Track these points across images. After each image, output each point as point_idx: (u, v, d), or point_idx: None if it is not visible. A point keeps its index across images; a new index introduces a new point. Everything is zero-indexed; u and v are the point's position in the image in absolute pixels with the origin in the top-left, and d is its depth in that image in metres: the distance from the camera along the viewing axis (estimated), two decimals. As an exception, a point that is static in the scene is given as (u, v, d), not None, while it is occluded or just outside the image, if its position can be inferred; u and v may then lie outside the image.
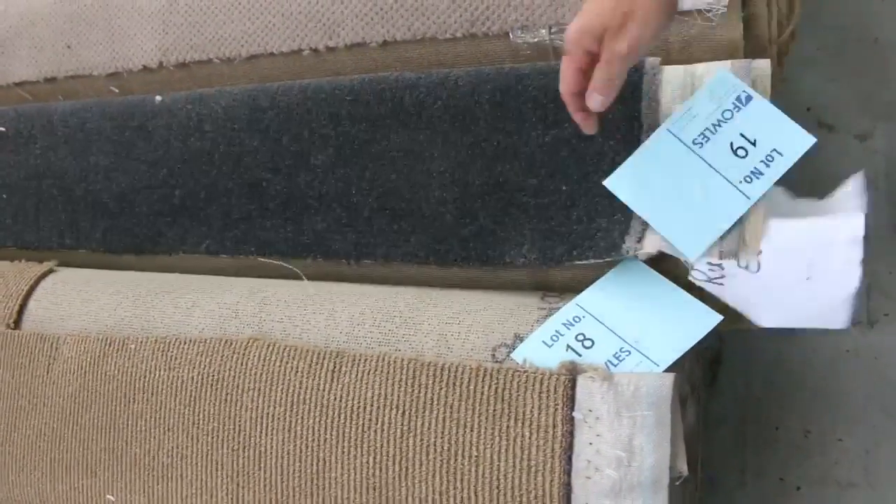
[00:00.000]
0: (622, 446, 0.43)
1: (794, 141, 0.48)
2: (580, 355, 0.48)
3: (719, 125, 0.49)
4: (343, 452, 0.50)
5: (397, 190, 0.58)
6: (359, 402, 0.50)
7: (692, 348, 0.48)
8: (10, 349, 0.63)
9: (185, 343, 0.57)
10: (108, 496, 0.58)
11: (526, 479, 0.45)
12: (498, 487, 0.46)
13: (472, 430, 0.47)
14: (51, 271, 0.68)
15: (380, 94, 0.60)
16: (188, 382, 0.56)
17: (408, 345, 0.52)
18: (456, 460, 0.47)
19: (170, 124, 0.67)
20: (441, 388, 0.48)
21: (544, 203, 0.54)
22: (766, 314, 0.51)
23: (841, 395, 0.69)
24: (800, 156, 0.48)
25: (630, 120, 0.53)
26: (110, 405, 0.58)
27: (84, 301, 0.64)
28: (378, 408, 0.50)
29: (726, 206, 0.48)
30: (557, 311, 0.50)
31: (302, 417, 0.52)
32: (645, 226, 0.50)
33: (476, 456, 0.47)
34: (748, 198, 0.48)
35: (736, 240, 0.48)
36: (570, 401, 0.45)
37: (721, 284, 0.50)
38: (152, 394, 0.57)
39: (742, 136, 0.49)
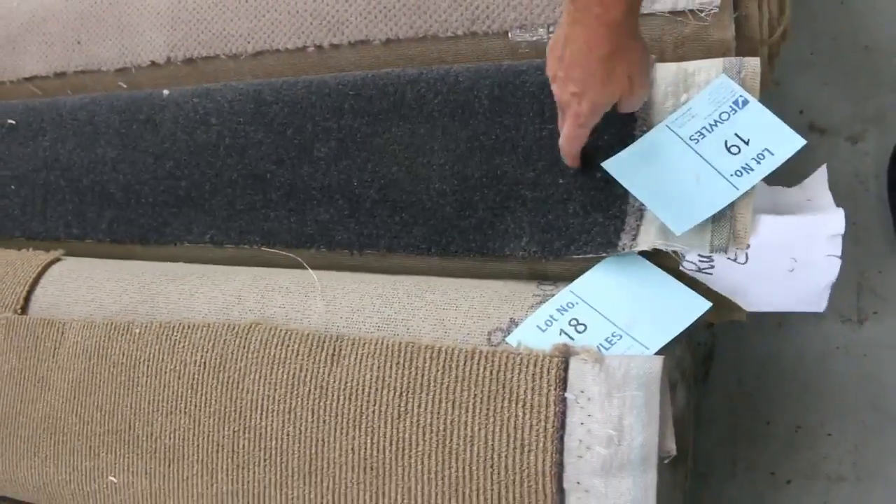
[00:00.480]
0: (612, 425, 0.44)
1: (785, 142, 0.50)
2: (573, 339, 0.49)
3: (716, 125, 0.51)
4: (341, 433, 0.52)
5: (398, 182, 0.60)
6: (357, 385, 0.52)
7: (682, 334, 0.49)
8: (18, 334, 0.64)
9: (188, 328, 0.58)
10: (110, 477, 0.59)
11: (519, 458, 0.47)
12: (492, 466, 0.47)
13: (467, 411, 0.48)
14: (57, 260, 0.70)
15: (382, 89, 0.62)
16: (191, 366, 0.57)
17: (406, 329, 0.53)
18: (451, 440, 0.48)
19: (176, 117, 0.69)
20: (437, 371, 0.50)
21: (542, 196, 0.55)
22: (752, 300, 0.53)
23: (831, 390, 0.71)
24: (789, 155, 0.50)
25: (624, 115, 0.54)
26: (114, 388, 0.59)
27: (89, 288, 0.65)
28: (376, 390, 0.51)
29: (716, 194, 0.50)
30: (552, 298, 0.52)
31: (302, 399, 0.53)
32: (639, 222, 0.51)
33: (471, 436, 0.48)
34: (737, 189, 0.50)
35: (726, 235, 0.49)
36: (563, 382, 0.46)
37: (710, 274, 0.52)
38: (155, 377, 0.58)
39: (736, 135, 0.51)
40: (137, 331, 0.60)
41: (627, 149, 0.53)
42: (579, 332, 0.49)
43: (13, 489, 0.64)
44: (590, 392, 0.46)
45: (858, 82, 0.78)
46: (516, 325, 0.51)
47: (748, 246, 0.50)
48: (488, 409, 0.48)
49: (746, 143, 0.51)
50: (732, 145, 0.51)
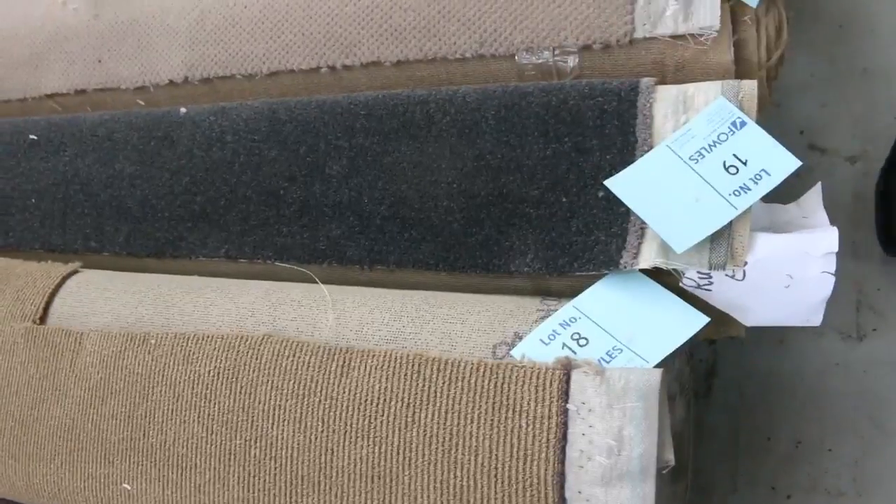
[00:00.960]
0: (613, 436, 0.46)
1: (782, 162, 0.52)
2: (575, 353, 0.51)
3: (714, 146, 0.53)
4: (350, 443, 0.53)
5: (407, 200, 0.62)
6: (366, 396, 0.53)
7: (681, 348, 0.51)
8: (36, 343, 0.66)
9: (202, 339, 0.60)
10: (124, 485, 0.61)
11: (522, 468, 0.48)
12: (495, 476, 0.49)
13: (472, 422, 0.50)
14: (76, 272, 0.71)
15: (392, 109, 0.64)
16: (204, 376, 0.59)
17: (414, 343, 0.55)
18: (456, 450, 0.50)
19: (193, 135, 0.71)
20: (444, 382, 0.51)
21: (545, 214, 0.57)
22: (750, 315, 0.54)
23: (831, 406, 0.72)
24: (786, 176, 0.51)
25: (625, 135, 0.56)
26: (129, 397, 0.61)
27: (107, 299, 0.67)
28: (384, 400, 0.53)
29: (715, 213, 0.51)
30: (555, 313, 0.53)
31: (312, 410, 0.55)
32: (640, 240, 0.53)
33: (475, 446, 0.49)
34: (735, 208, 0.51)
35: (724, 253, 0.51)
36: (565, 394, 0.48)
37: (709, 290, 0.53)
38: (170, 387, 0.60)
39: (735, 155, 0.52)
40: (153, 341, 0.62)
41: (629, 168, 0.55)
42: (581, 346, 0.51)
43: (28, 496, 0.66)
44: (591, 403, 0.47)
45: (857, 104, 0.80)
46: (520, 338, 0.53)
47: (745, 263, 0.51)
48: (492, 420, 0.49)
49: (744, 163, 0.52)
50: (731, 165, 0.53)
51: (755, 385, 0.74)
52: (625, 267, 0.53)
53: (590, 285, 0.55)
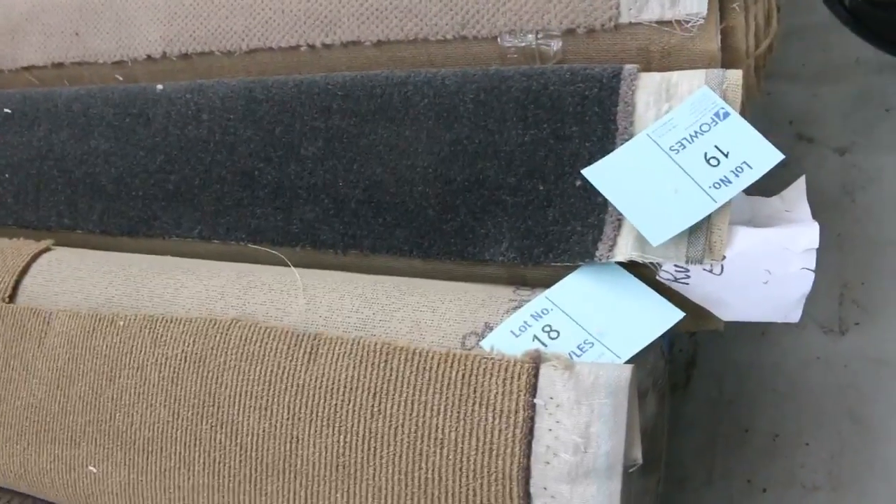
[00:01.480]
0: (580, 433, 0.44)
1: (764, 156, 0.50)
2: (546, 345, 0.49)
3: (696, 136, 0.51)
4: (316, 431, 0.52)
5: (383, 184, 0.60)
6: (333, 384, 0.52)
7: (656, 343, 0.49)
8: (4, 322, 0.65)
9: (171, 322, 0.58)
10: (90, 467, 0.60)
11: (488, 462, 0.47)
12: (461, 469, 0.47)
13: (438, 414, 0.48)
14: (47, 249, 0.70)
15: (370, 91, 0.62)
16: (172, 359, 0.57)
17: (383, 330, 0.54)
18: (422, 442, 0.49)
19: (169, 112, 0.69)
20: (411, 373, 0.50)
21: (522, 202, 0.55)
22: (727, 310, 0.53)
23: (810, 400, 0.70)
24: (767, 169, 0.50)
25: (606, 122, 0.54)
26: (97, 379, 0.60)
27: (77, 279, 0.65)
28: (351, 389, 0.51)
29: (693, 205, 0.50)
30: (527, 304, 0.52)
31: (278, 397, 0.53)
32: (616, 232, 0.51)
33: (441, 438, 0.48)
34: (714, 201, 0.50)
35: (702, 246, 0.49)
36: (533, 388, 0.46)
37: (686, 284, 0.52)
38: (137, 369, 0.58)
39: (716, 147, 0.51)
40: (121, 323, 0.60)
41: (608, 157, 0.53)
42: (552, 339, 0.49)
43: (-3, 475, 0.65)
44: (559, 398, 0.46)
45: (848, 95, 0.78)
46: (491, 329, 0.51)
47: (724, 258, 0.50)
48: (459, 413, 0.48)
49: (726, 155, 0.51)
50: (712, 157, 0.51)
51: (735, 377, 0.73)
52: (600, 259, 0.51)
53: (565, 276, 0.53)
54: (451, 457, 0.48)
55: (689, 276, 0.51)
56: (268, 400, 0.54)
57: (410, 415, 0.49)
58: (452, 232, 0.57)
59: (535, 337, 0.50)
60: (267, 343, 0.55)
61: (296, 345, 0.54)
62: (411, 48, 0.66)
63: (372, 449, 0.50)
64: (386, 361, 0.51)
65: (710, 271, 0.51)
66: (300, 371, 0.53)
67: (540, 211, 0.55)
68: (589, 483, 0.45)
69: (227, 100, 0.67)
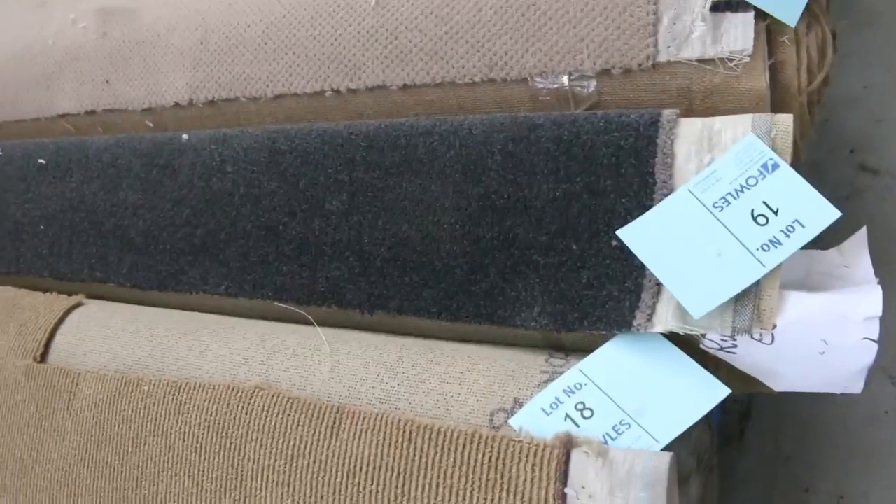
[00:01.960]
0: (614, 529, 0.41)
1: (818, 213, 0.45)
2: (578, 426, 0.46)
3: (742, 191, 0.47)
4: (339, 510, 0.49)
5: (409, 241, 0.57)
6: (356, 461, 0.49)
7: (697, 424, 0.45)
8: (36, 382, 0.64)
9: (194, 388, 0.57)
10: (119, 534, 0.58)
11: (517, 555, 0.43)
12: (489, 560, 0.44)
13: (464, 499, 0.45)
14: (79, 304, 0.69)
15: (394, 141, 0.59)
16: (195, 428, 0.56)
17: (407, 403, 0.51)
18: (448, 529, 0.45)
19: (194, 164, 0.68)
20: (436, 453, 0.47)
21: (554, 263, 0.52)
22: (780, 380, 0.49)
23: (878, 458, 0.65)
24: (822, 228, 0.45)
25: (643, 175, 0.50)
26: (123, 445, 0.59)
27: (105, 338, 0.64)
28: (374, 468, 0.49)
29: (740, 271, 0.45)
30: (559, 377, 0.48)
31: (300, 472, 0.51)
32: (655, 299, 0.47)
33: (468, 526, 0.45)
34: (763, 266, 0.45)
35: (750, 315, 0.45)
36: (563, 476, 0.43)
37: (734, 353, 0.47)
38: (162, 437, 0.57)
39: (764, 203, 0.46)
40: (146, 388, 0.59)
41: (645, 216, 0.49)
42: (585, 418, 0.46)
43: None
44: (591, 488, 0.42)
45: (917, 119, 0.72)
46: (520, 405, 0.48)
47: (774, 326, 0.45)
48: (486, 499, 0.45)
49: (775, 212, 0.46)
50: (759, 214, 0.46)
51: (793, 431, 0.68)
52: (638, 329, 0.47)
53: (602, 343, 0.49)
54: (478, 547, 0.45)
55: (736, 345, 0.47)
56: (290, 476, 0.51)
57: (435, 498, 0.46)
58: (482, 294, 0.54)
59: (568, 416, 0.46)
60: (289, 414, 0.53)
61: (318, 417, 0.52)
62: (438, 91, 0.63)
63: (396, 534, 0.47)
64: (410, 440, 0.48)
65: (760, 340, 0.46)
66: (323, 446, 0.51)
67: (573, 273, 0.51)
68: (626, 584, 0.41)
69: (250, 151, 0.65)
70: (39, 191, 0.77)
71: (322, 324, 0.62)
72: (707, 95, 0.55)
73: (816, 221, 0.45)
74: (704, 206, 0.48)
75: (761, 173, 0.47)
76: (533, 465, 0.44)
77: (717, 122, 0.50)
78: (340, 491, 0.49)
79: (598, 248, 0.51)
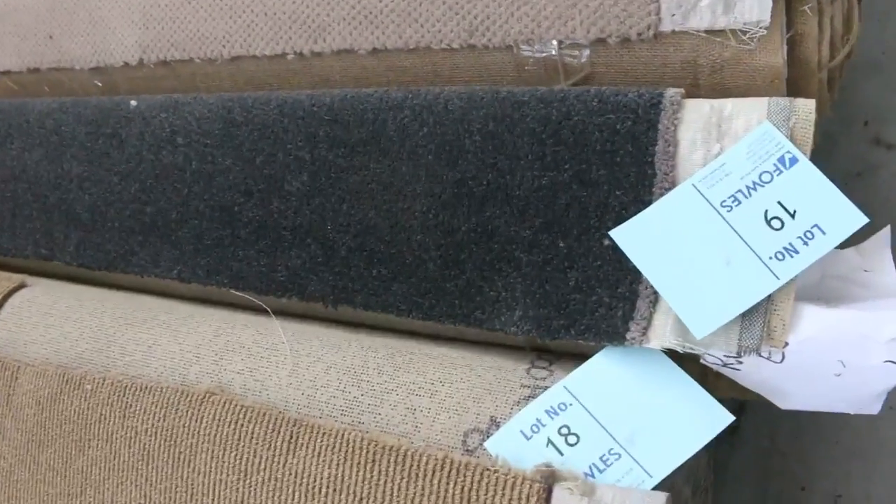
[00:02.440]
0: (600, 580, 0.35)
1: (842, 217, 0.38)
2: (562, 454, 0.40)
3: (754, 188, 0.40)
4: (297, 534, 0.44)
5: (376, 229, 0.50)
6: (314, 481, 0.44)
7: (697, 455, 0.39)
8: (-27, 374, 0.58)
9: (140, 390, 0.51)
10: (65, 541, 0.53)
11: None
12: None
13: (433, 534, 0.40)
14: (21, 286, 0.62)
15: (361, 116, 0.52)
16: (142, 434, 0.50)
17: (372, 417, 0.45)
18: (414, 564, 0.40)
19: (142, 133, 0.60)
20: (402, 479, 0.41)
21: (538, 261, 0.45)
22: (787, 399, 0.43)
23: (880, 457, 0.60)
24: (846, 237, 0.38)
25: (641, 165, 0.43)
26: (66, 448, 0.53)
27: (48, 327, 0.58)
28: (334, 490, 0.43)
29: (750, 283, 0.39)
30: (542, 393, 0.42)
31: (254, 490, 0.45)
32: (652, 309, 0.41)
33: (436, 563, 0.40)
34: (777, 278, 0.39)
35: (759, 332, 0.39)
36: (545, 515, 0.37)
37: (738, 370, 0.41)
38: (107, 441, 0.51)
39: (780, 204, 0.40)
40: (89, 387, 0.53)
41: (642, 214, 0.42)
42: (570, 445, 0.40)
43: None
44: (576, 531, 0.37)
45: (937, 90, 0.64)
46: (497, 425, 0.42)
47: (786, 344, 0.39)
48: (457, 534, 0.39)
49: (792, 215, 0.40)
50: (774, 217, 0.40)
51: (790, 426, 0.63)
52: (632, 342, 0.41)
53: (590, 355, 0.43)
54: (447, 587, 0.39)
55: (741, 363, 0.41)
56: (244, 493, 0.46)
57: (401, 530, 0.41)
58: (457, 292, 0.47)
59: (550, 441, 0.40)
60: (243, 425, 0.47)
61: (274, 430, 0.46)
62: (412, 57, 0.56)
63: (357, 566, 0.42)
64: (374, 461, 0.42)
65: (768, 358, 0.40)
66: (279, 462, 0.45)
67: (559, 274, 0.44)
68: None
69: (203, 121, 0.58)
70: (-22, 157, 0.69)
71: (283, 311, 0.55)
72: (715, 70, 0.48)
73: (839, 228, 0.39)
74: (711, 204, 0.41)
75: (777, 168, 0.40)
76: (510, 500, 0.38)
77: (729, 105, 0.43)
78: (297, 514, 0.44)
79: (588, 247, 0.44)
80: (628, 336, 0.41)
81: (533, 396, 0.42)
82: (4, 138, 0.67)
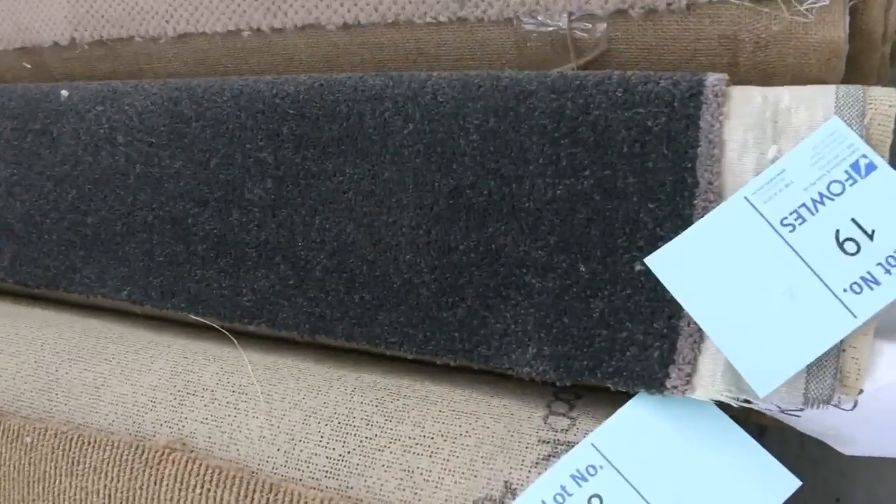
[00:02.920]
0: None
1: None
2: (595, 534, 0.33)
3: (822, 202, 0.32)
4: None
5: (357, 247, 0.42)
6: (297, 561, 0.36)
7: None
8: None
9: (88, 444, 0.42)
10: None
11: None
12: None
13: None
14: (-51, 311, 0.53)
15: (332, 110, 0.42)
16: (93, 496, 0.42)
17: (363, 481, 0.37)
18: None
19: (77, 130, 0.50)
20: (402, 563, 0.34)
21: (554, 288, 0.37)
22: (853, 446, 0.36)
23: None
24: None
25: (679, 172, 0.35)
26: (8, 507, 0.45)
27: (-21, 362, 0.49)
28: (321, 572, 0.36)
29: (821, 323, 0.31)
30: (566, 453, 0.35)
31: (227, 567, 0.38)
32: (696, 352, 0.33)
33: None
34: (854, 316, 0.31)
35: (830, 380, 0.31)
36: None
37: (798, 416, 0.34)
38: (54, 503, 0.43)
39: (854, 222, 0.32)
40: (29, 439, 0.44)
41: (683, 235, 0.34)
42: (604, 522, 0.33)
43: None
44: None
45: None
46: (514, 493, 0.34)
47: (861, 392, 0.32)
48: None
49: (870, 236, 0.32)
50: (847, 239, 0.32)
51: (822, 430, 0.56)
52: (673, 391, 0.33)
53: (622, 402, 0.36)
54: None
55: (803, 409, 0.33)
56: (214, 570, 0.38)
57: None
58: (456, 323, 0.39)
59: (579, 517, 0.33)
60: (210, 489, 0.39)
61: (247, 497, 0.38)
62: (392, 33, 0.46)
63: None
64: (366, 541, 0.35)
65: (837, 405, 0.33)
66: (253, 536, 0.37)
67: (580, 303, 0.36)
68: None
69: (146, 116, 0.48)
70: None
71: (251, 332, 0.47)
72: (759, 47, 0.39)
73: (931, 250, 0.31)
74: (769, 222, 0.33)
75: (850, 177, 0.32)
76: None
77: (786, 95, 0.35)
78: None
79: (615, 272, 0.36)
80: (668, 384, 0.33)
81: (554, 455, 0.35)
82: (-81, 135, 0.57)
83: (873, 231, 0.32)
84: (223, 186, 0.45)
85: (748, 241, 0.33)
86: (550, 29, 0.42)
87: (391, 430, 0.38)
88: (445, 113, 0.40)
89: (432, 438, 0.37)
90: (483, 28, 0.44)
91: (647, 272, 0.35)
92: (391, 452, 0.37)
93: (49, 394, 0.46)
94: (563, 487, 0.34)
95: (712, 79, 0.36)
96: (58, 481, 0.43)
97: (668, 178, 0.35)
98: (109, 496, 0.41)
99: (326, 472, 0.38)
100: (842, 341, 0.32)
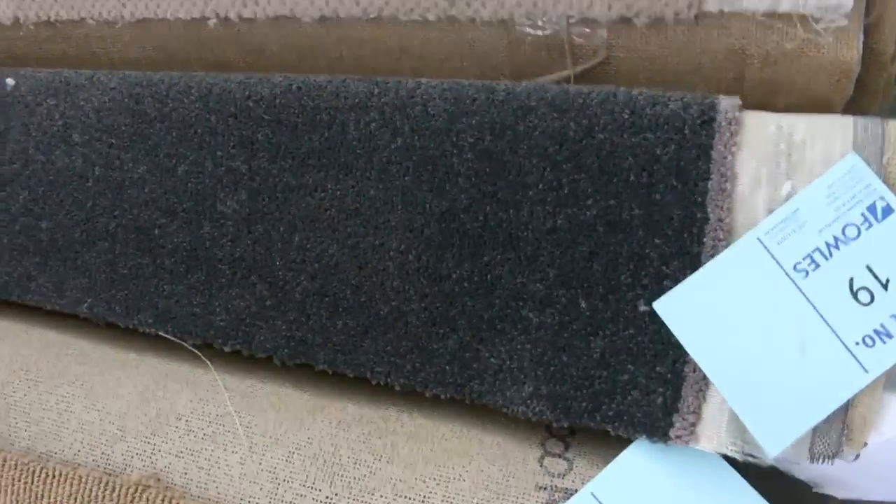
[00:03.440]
0: None
1: None
2: (596, 588, 0.32)
3: (836, 246, 0.30)
4: None
5: (340, 269, 0.39)
6: None
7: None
8: None
9: (52, 477, 0.40)
10: None
11: None
12: None
13: None
14: None
15: (312, 117, 0.39)
16: (59, 531, 0.40)
17: (351, 525, 0.36)
18: None
19: (27, 127, 0.46)
20: None
21: (553, 324, 0.35)
22: (851, 492, 0.35)
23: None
24: None
25: (689, 206, 0.33)
26: (-33, 538, 0.42)
27: (-71, 379, 0.46)
28: None
29: (832, 378, 0.30)
30: (564, 502, 0.33)
31: None
32: (701, 400, 0.32)
33: None
34: (865, 371, 0.30)
35: (837, 437, 0.30)
36: None
37: (798, 464, 0.33)
38: (16, 536, 0.41)
39: (869, 270, 0.30)
40: (-13, 469, 0.42)
41: (691, 279, 0.32)
42: (605, 576, 0.32)
43: None
44: None
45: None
46: (511, 542, 0.33)
47: (865, 445, 0.31)
48: None
49: (884, 285, 0.30)
50: (861, 288, 0.31)
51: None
52: (677, 441, 0.32)
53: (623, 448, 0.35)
54: None
55: (807, 456, 0.33)
56: None
57: None
58: (447, 355, 0.37)
59: (579, 570, 0.32)
60: (186, 530, 0.37)
61: (226, 539, 0.36)
62: (373, 29, 0.43)
63: None
64: (356, 590, 0.33)
65: (840, 458, 0.32)
66: (235, 580, 0.36)
67: (579, 342, 0.35)
68: None
69: (104, 113, 0.44)
70: None
71: (229, 362, 0.45)
72: (767, 64, 0.36)
73: (950, 303, 0.30)
74: (781, 266, 0.31)
75: (866, 220, 0.31)
76: None
77: (801, 126, 0.33)
78: None
79: (618, 310, 0.34)
80: (672, 433, 0.32)
81: (553, 503, 0.34)
82: None
83: (888, 280, 0.30)
84: (192, 196, 0.42)
85: (759, 287, 0.31)
86: (547, 33, 0.39)
87: (379, 470, 0.36)
88: (437, 128, 0.37)
89: (424, 482, 0.36)
90: (474, 29, 0.41)
91: (652, 313, 0.33)
92: (382, 497, 0.36)
93: (6, 419, 0.43)
94: (562, 537, 0.33)
95: (725, 103, 0.33)
96: (21, 514, 0.41)
97: (677, 213, 0.33)
98: (78, 532, 0.39)
99: (312, 513, 0.36)
100: (851, 398, 0.31)
